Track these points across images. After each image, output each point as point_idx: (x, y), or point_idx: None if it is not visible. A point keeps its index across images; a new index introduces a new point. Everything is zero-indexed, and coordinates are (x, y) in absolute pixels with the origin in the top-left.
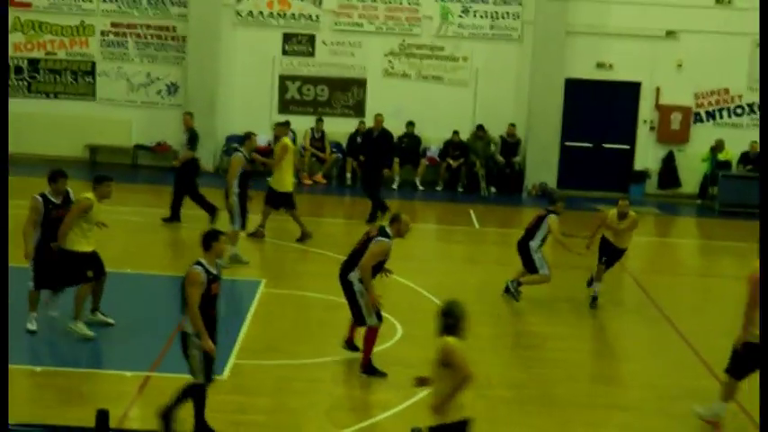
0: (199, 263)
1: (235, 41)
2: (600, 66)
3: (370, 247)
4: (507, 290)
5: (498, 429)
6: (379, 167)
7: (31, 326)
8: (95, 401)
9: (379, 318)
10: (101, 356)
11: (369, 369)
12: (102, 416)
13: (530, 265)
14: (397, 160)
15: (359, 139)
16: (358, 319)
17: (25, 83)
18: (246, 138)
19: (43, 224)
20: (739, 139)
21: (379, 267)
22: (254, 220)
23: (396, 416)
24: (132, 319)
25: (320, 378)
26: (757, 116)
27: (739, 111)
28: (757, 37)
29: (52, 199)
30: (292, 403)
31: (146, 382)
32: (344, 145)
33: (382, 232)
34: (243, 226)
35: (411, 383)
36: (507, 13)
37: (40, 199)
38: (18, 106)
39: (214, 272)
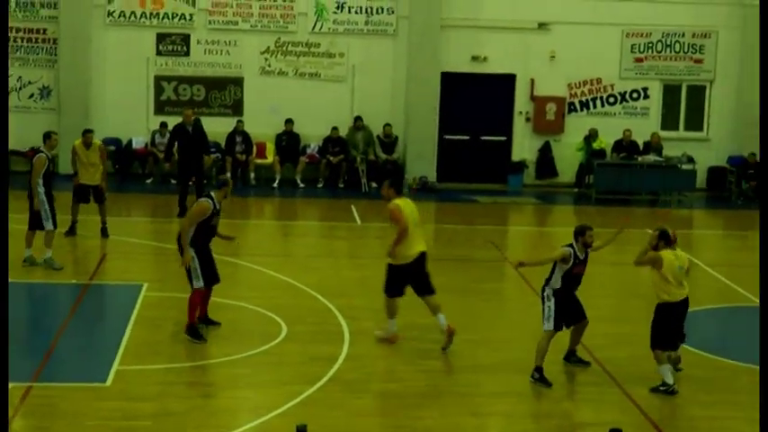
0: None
1: (107, 42)
2: (475, 59)
3: (191, 208)
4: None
5: (385, 422)
6: (198, 159)
7: None
8: None
9: (207, 282)
10: None
11: (191, 331)
12: None
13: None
14: (276, 158)
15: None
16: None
17: None
18: (47, 137)
19: None
20: (612, 128)
21: (207, 231)
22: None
23: (281, 416)
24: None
25: (204, 381)
26: (630, 104)
27: (612, 100)
28: (627, 27)
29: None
30: (176, 407)
31: (27, 392)
32: (223, 144)
33: (207, 195)
34: (55, 225)
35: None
36: (382, 7)
37: None
38: None
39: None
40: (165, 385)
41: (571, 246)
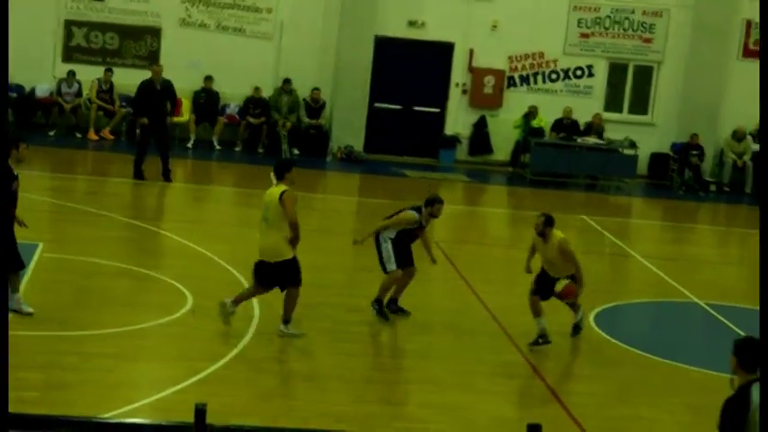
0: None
1: None
2: (412, 24)
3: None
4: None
5: (293, 405)
6: (163, 121)
7: None
8: None
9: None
10: None
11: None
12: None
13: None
14: (192, 117)
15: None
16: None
17: None
18: None
19: None
20: (553, 106)
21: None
22: None
23: (180, 392)
24: None
25: (99, 352)
26: (573, 81)
27: (554, 76)
28: (574, 0)
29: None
30: (68, 379)
31: None
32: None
33: (416, 209)
34: None
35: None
36: None
37: None
38: None
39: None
40: (57, 354)
41: (419, 211)
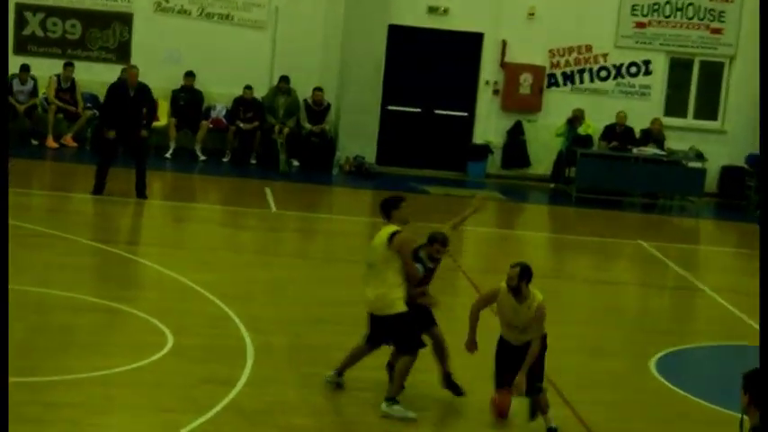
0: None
1: None
2: (433, 10)
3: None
4: None
5: None
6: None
7: None
8: None
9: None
10: None
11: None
12: None
13: None
14: (172, 122)
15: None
16: None
17: None
18: None
19: None
20: (603, 110)
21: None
22: None
23: None
24: None
25: (62, 402)
26: (626, 80)
27: (604, 74)
28: None
29: None
30: None
31: None
32: (101, 98)
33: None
34: None
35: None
36: None
37: None
38: None
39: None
40: (14, 405)
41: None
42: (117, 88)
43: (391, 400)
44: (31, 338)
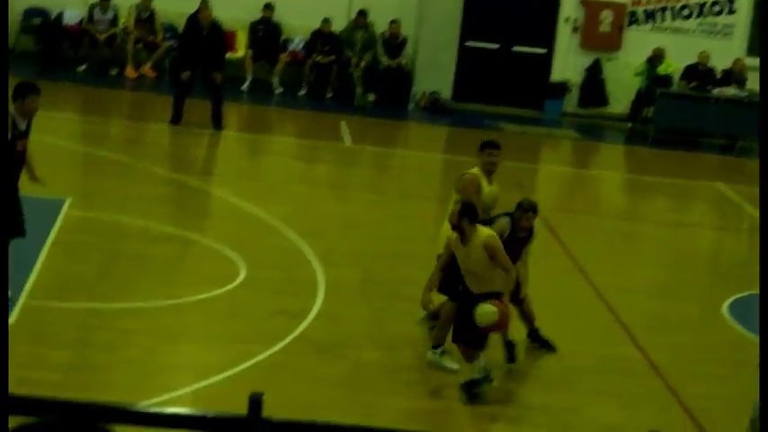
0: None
1: None
2: None
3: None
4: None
5: (355, 399)
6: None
7: None
8: None
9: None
10: None
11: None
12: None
13: None
14: (249, 54)
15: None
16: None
17: None
18: None
19: None
20: (684, 49)
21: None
22: None
23: (231, 380)
24: None
25: (135, 329)
26: (709, 19)
27: (686, 12)
28: None
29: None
30: (97, 359)
31: None
32: (180, 29)
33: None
34: None
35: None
36: None
37: None
38: None
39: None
40: (86, 330)
41: (510, 216)
42: (191, 27)
43: (437, 347)
44: (106, 266)
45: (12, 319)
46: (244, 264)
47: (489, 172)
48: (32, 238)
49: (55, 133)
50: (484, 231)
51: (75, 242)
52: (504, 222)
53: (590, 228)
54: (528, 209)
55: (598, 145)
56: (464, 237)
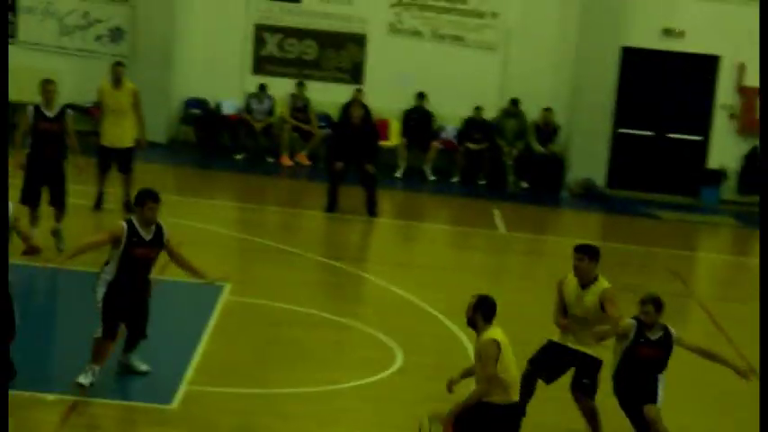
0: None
1: None
2: (667, 33)
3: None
4: None
5: None
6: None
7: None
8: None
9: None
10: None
11: None
12: None
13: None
14: (402, 142)
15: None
16: None
17: None
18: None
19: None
20: None
21: None
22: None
23: None
24: (62, 322)
25: (295, 413)
26: None
27: None
28: None
29: None
30: None
31: (72, 408)
32: (335, 117)
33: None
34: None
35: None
36: None
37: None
38: None
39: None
40: (247, 415)
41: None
42: (344, 119)
43: None
44: (265, 351)
45: (174, 404)
46: (399, 350)
47: (578, 276)
48: (193, 323)
49: (213, 220)
50: (490, 333)
51: (234, 327)
52: (628, 323)
53: (753, 318)
54: (646, 301)
55: (758, 233)
56: (476, 330)
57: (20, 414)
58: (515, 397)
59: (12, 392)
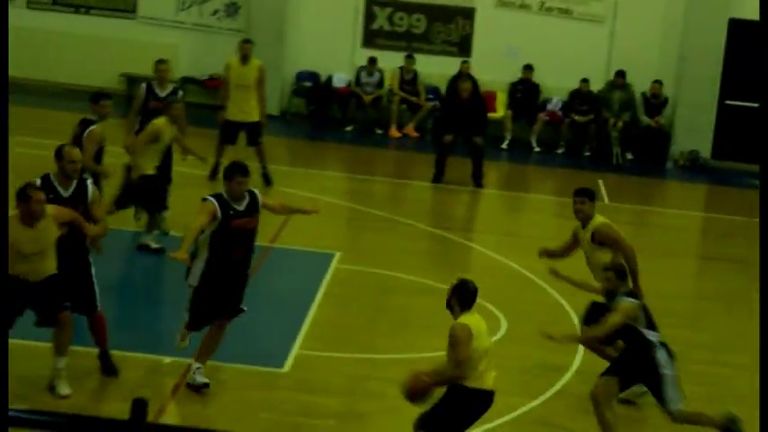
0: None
1: None
2: None
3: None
4: None
5: None
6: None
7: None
8: (126, 390)
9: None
10: (136, 337)
11: None
12: (139, 406)
13: None
14: (508, 113)
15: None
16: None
17: None
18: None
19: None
20: None
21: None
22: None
23: (493, 430)
24: (174, 295)
25: (402, 379)
26: None
27: None
28: None
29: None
30: (366, 407)
31: (187, 371)
32: (443, 90)
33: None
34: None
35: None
36: None
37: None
38: (39, 21)
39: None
40: (356, 379)
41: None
42: (452, 92)
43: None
44: (373, 317)
45: (285, 367)
46: (504, 317)
47: (580, 220)
48: (304, 289)
49: (324, 191)
50: (462, 319)
51: (343, 295)
52: (629, 307)
53: None
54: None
55: None
56: (453, 314)
57: (142, 375)
58: (486, 385)
59: (134, 354)
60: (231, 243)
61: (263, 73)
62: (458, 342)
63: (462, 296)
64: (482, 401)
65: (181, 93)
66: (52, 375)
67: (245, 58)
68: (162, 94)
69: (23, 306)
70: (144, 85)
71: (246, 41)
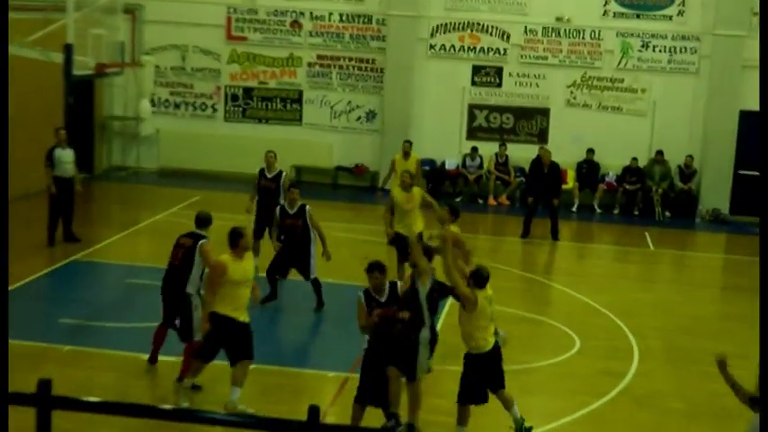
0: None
1: (428, 72)
2: None
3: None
4: None
5: None
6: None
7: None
8: (301, 397)
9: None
10: (305, 356)
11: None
12: (314, 411)
13: None
14: (576, 185)
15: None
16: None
17: (240, 109)
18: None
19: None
20: None
21: None
22: None
23: (571, 423)
24: (333, 324)
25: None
26: None
27: None
28: None
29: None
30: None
31: (345, 382)
32: (527, 169)
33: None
34: None
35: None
36: (685, 47)
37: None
38: (234, 129)
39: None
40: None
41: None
42: (536, 166)
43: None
44: None
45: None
46: (577, 337)
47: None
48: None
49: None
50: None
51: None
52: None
53: None
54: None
55: None
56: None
57: (307, 385)
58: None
59: (301, 370)
60: (379, 329)
61: (419, 164)
62: (467, 297)
63: (477, 279)
64: (485, 361)
65: (284, 174)
66: None
67: (406, 155)
68: (269, 175)
69: None
70: (259, 170)
71: (407, 142)
